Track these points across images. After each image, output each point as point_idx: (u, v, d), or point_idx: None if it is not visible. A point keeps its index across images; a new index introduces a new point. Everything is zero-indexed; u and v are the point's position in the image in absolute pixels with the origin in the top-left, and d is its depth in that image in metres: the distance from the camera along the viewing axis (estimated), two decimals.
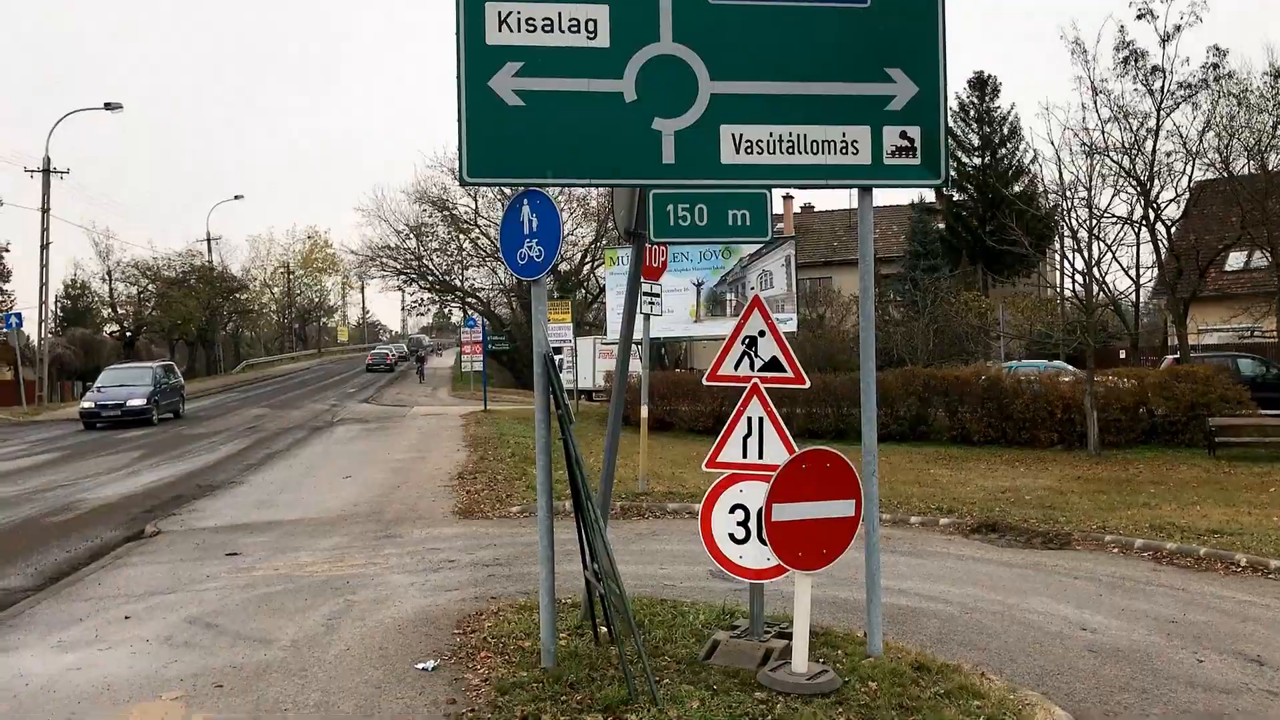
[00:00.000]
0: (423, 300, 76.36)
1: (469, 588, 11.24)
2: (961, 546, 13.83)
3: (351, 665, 8.64)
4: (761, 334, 8.17)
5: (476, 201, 64.51)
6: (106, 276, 75.29)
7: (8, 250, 62.51)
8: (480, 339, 47.89)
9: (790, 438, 8.06)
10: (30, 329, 53.30)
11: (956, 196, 53.92)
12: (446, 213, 65.83)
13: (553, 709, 7.29)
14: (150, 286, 75.30)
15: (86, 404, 37.44)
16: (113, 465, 24.94)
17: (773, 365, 8.17)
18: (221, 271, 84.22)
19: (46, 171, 52.09)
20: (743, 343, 8.20)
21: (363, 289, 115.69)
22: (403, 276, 71.25)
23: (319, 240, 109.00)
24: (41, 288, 51.97)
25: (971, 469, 22.06)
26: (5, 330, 50.90)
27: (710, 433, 28.05)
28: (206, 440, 31.22)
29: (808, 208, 67.31)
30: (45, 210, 51.88)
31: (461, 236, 67.15)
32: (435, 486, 19.76)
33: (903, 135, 7.91)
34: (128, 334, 73.62)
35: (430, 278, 70.39)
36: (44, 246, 51.75)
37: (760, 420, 8.04)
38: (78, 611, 10.72)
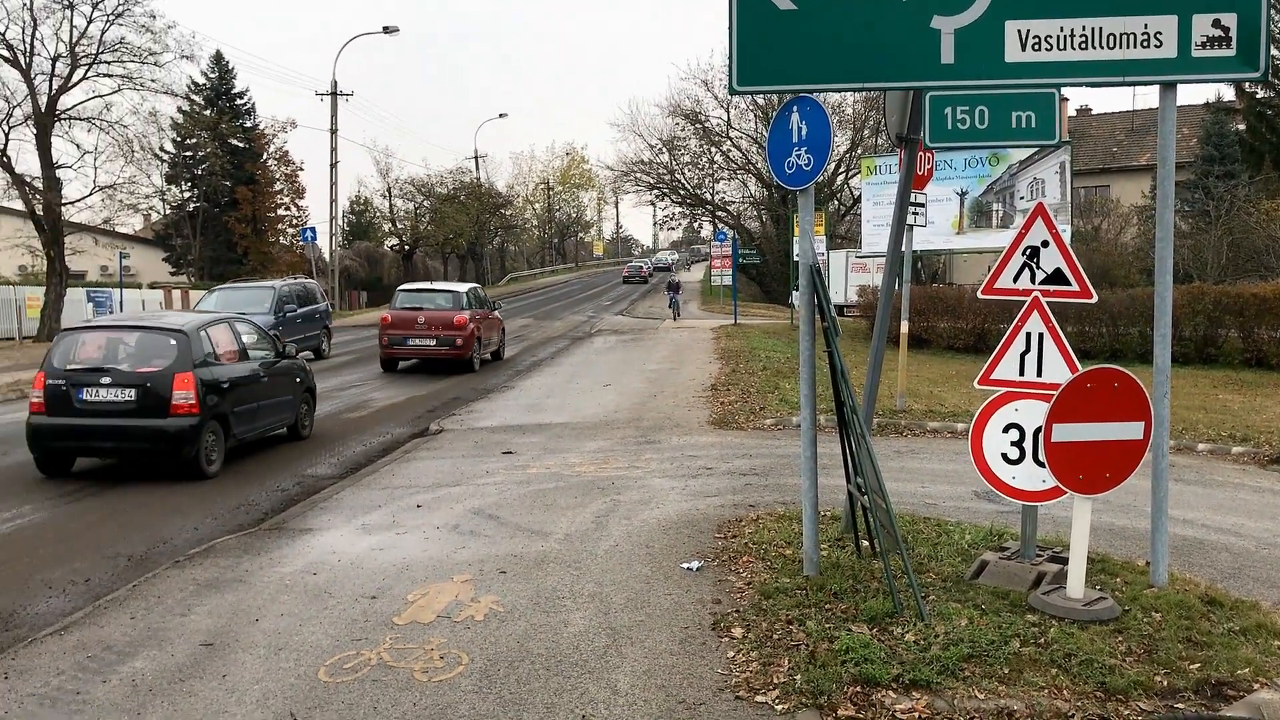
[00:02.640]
0: (673, 215, 77.24)
1: (727, 495, 11.45)
2: (1257, 478, 13.03)
3: (621, 560, 9.10)
4: (1044, 244, 7.83)
5: (729, 114, 64.32)
6: (386, 193, 79.40)
7: (301, 169, 65.99)
8: (730, 253, 47.96)
9: (1073, 355, 7.75)
10: (322, 242, 57.06)
11: (1261, 94, 49.30)
12: (698, 125, 66.01)
13: (817, 616, 7.39)
14: (425, 202, 79.16)
15: None
16: (395, 370, 26.32)
17: (1056, 278, 7.82)
18: (488, 188, 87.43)
19: (334, 94, 55.30)
20: (1023, 254, 7.88)
21: (616, 204, 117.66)
22: (655, 191, 72.10)
23: (576, 156, 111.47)
24: (331, 204, 55.62)
25: (1269, 395, 20.68)
26: (302, 243, 55.13)
27: (970, 351, 27.42)
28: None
29: (1084, 110, 63.55)
30: (333, 131, 55.17)
31: (713, 149, 67.21)
32: (689, 397, 20.11)
33: (1215, 24, 7.27)
34: (406, 247, 77.65)
35: (681, 191, 70.92)
36: (332, 165, 55.19)
37: (1040, 336, 7.74)
38: (376, 499, 11.77)
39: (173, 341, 13.16)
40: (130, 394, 12.79)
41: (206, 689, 6.64)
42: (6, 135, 37.02)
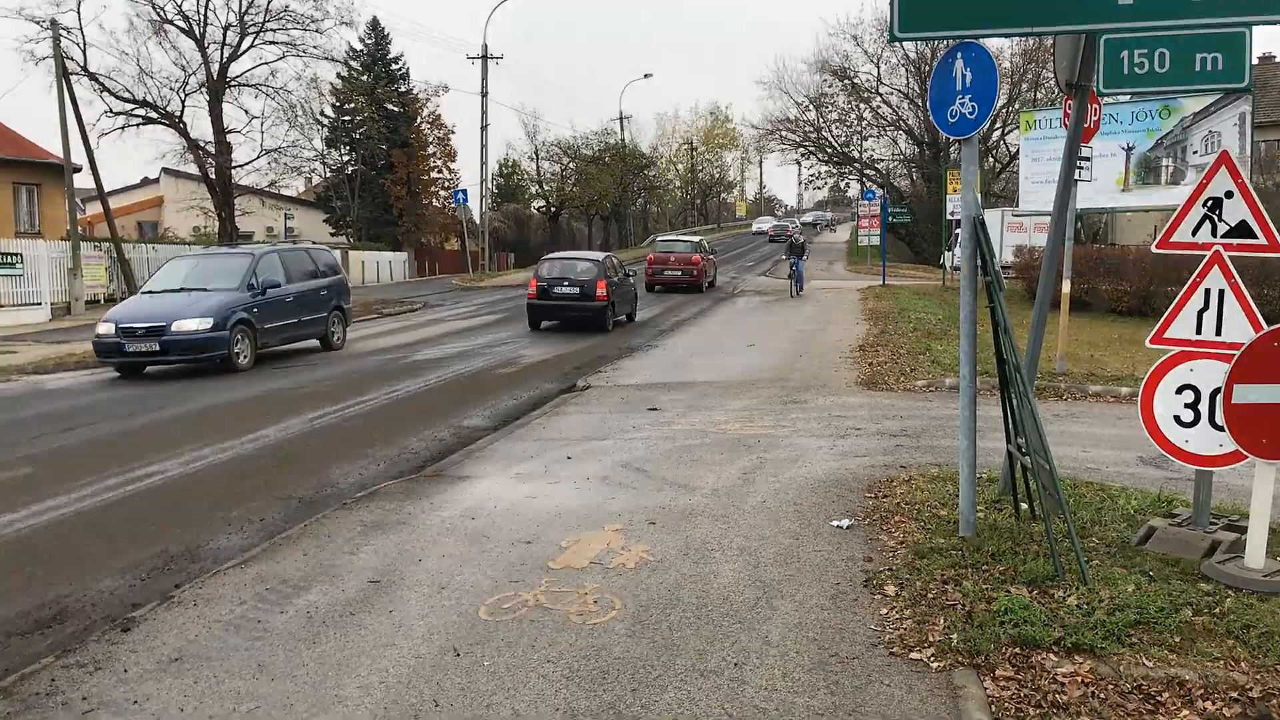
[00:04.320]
0: (820, 174, 76.64)
1: (877, 455, 11.46)
2: None
3: (768, 516, 9.20)
4: (1229, 194, 7.56)
5: (879, 69, 63.38)
6: (534, 155, 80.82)
7: (453, 133, 67.92)
8: (879, 212, 47.39)
9: (1257, 312, 7.52)
10: (473, 204, 58.73)
11: None
12: (847, 81, 65.23)
13: (974, 576, 7.39)
14: (570, 164, 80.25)
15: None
16: (542, 329, 27.05)
17: (1240, 230, 7.56)
18: (632, 149, 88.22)
19: (484, 58, 56.36)
20: (1204, 205, 7.64)
21: (760, 163, 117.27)
22: (801, 149, 71.61)
23: (720, 116, 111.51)
24: (482, 166, 56.99)
25: None
26: (455, 205, 56.78)
27: (1133, 313, 26.67)
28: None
29: (1266, 58, 60.55)
30: (484, 94, 56.37)
31: (861, 105, 66.39)
32: (836, 357, 20.08)
33: None
34: (552, 209, 78.98)
35: (828, 150, 70.28)
36: (483, 128, 56.42)
37: (1221, 293, 7.49)
38: (528, 450, 12.21)
39: (594, 262, 27.02)
40: (577, 290, 25.91)
41: (375, 622, 7.02)
42: (183, 102, 39.50)
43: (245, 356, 18.78)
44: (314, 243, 29.29)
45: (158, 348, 17.67)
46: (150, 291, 19.95)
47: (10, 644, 6.94)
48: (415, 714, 5.83)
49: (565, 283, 26.69)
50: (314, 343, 22.39)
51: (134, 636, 6.84)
